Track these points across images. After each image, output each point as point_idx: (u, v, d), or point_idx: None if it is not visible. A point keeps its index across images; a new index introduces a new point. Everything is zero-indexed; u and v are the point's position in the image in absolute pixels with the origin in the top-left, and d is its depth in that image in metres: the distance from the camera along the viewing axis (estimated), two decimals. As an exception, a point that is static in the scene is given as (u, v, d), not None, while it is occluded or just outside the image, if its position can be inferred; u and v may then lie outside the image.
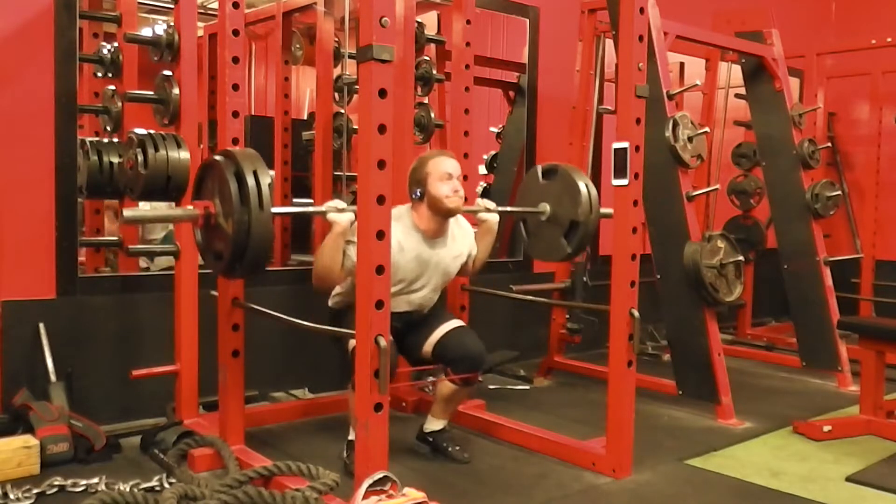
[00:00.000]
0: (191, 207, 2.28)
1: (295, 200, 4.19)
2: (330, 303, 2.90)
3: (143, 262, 3.63)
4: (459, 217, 2.92)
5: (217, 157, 2.22)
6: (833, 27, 6.75)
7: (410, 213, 2.78)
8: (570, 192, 2.83)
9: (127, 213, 2.19)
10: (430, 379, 3.31)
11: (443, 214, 2.75)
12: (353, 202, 2.22)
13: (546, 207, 2.90)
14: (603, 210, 2.83)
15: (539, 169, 2.97)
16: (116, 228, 3.46)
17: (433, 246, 2.78)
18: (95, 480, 2.47)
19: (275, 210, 2.17)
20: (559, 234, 2.86)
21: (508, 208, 3.10)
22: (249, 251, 2.12)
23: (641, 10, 2.64)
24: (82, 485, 2.45)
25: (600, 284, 3.50)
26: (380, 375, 2.03)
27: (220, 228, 2.19)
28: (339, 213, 2.49)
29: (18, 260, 2.93)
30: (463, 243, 2.92)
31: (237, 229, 2.10)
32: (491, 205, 2.94)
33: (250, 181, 2.09)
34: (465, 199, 2.86)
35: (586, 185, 2.82)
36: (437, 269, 2.82)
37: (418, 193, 2.73)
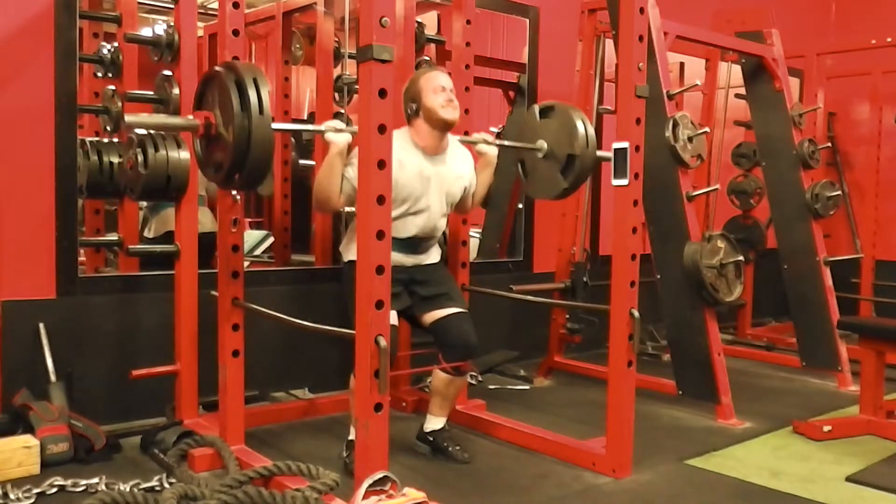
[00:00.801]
0: (191, 117, 2.28)
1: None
2: (344, 258, 2.90)
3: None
4: (458, 143, 2.95)
5: (218, 69, 2.22)
6: (833, 27, 6.75)
7: (409, 132, 2.80)
8: (566, 128, 2.82)
9: (129, 117, 2.19)
10: (428, 381, 3.31)
11: (440, 127, 2.76)
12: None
13: (543, 144, 2.90)
14: (600, 153, 2.83)
15: (536, 108, 2.97)
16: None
17: (434, 163, 2.80)
18: (95, 480, 2.47)
19: (274, 126, 2.17)
20: (556, 169, 2.85)
21: (506, 142, 3.10)
22: (249, 160, 2.11)
23: (641, 10, 2.65)
24: (82, 485, 2.45)
25: (600, 284, 3.50)
26: (380, 375, 2.03)
27: (220, 139, 2.19)
28: (338, 133, 2.50)
29: (18, 260, 2.93)
30: (463, 165, 2.94)
31: (237, 137, 2.10)
32: (489, 137, 2.97)
33: (251, 90, 2.09)
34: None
35: (583, 121, 2.81)
36: (440, 187, 2.82)
37: (413, 108, 2.75)
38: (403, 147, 2.71)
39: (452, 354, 2.81)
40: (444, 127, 2.77)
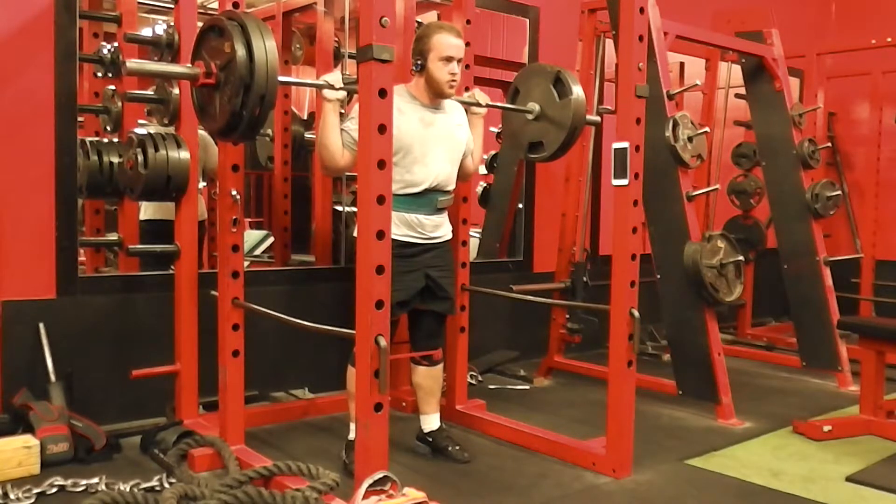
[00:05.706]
0: (190, 65, 2.27)
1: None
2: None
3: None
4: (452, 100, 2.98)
5: (219, 17, 2.21)
6: (833, 27, 6.75)
7: (406, 87, 2.82)
8: (544, 75, 2.96)
9: (130, 63, 2.19)
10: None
11: (437, 95, 2.80)
12: (353, 202, 2.20)
13: (535, 106, 2.95)
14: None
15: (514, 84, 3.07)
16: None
17: (433, 112, 2.82)
18: (95, 480, 2.47)
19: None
20: (553, 95, 2.91)
21: (499, 104, 3.14)
22: (251, 106, 2.07)
23: (641, 10, 2.65)
24: (82, 485, 2.46)
25: (600, 284, 3.50)
26: (380, 375, 2.03)
27: (219, 87, 2.17)
28: (330, 91, 2.53)
29: (18, 260, 2.93)
30: (461, 116, 2.96)
31: (239, 85, 2.06)
32: (481, 96, 3.00)
33: (256, 41, 2.06)
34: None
35: (552, 68, 2.94)
36: (442, 134, 2.81)
37: (418, 65, 2.76)
38: (403, 98, 2.73)
39: (419, 344, 2.88)
40: (439, 97, 2.81)
